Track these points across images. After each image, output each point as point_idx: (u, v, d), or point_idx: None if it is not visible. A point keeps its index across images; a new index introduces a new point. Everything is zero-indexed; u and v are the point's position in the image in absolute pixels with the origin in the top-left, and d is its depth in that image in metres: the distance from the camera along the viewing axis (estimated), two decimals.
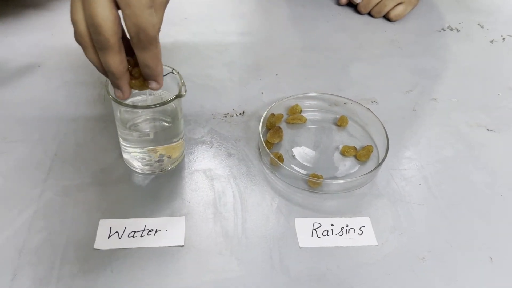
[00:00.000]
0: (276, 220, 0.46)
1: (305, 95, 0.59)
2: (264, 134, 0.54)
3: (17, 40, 0.68)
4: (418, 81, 0.66)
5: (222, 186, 0.49)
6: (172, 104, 0.45)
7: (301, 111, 0.58)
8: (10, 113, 0.56)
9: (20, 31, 0.69)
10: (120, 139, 0.48)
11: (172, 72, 0.46)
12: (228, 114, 0.58)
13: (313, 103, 0.59)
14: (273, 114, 0.56)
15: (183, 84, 0.45)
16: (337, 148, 0.54)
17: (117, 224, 0.45)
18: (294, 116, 0.57)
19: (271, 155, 0.50)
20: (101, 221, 0.45)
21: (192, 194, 0.48)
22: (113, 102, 0.45)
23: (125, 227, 0.45)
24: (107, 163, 0.51)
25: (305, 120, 0.57)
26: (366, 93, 0.63)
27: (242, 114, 0.59)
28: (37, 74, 0.62)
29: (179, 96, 0.45)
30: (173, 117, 0.48)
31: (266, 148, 0.50)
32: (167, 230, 0.45)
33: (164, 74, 0.47)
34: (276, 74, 0.66)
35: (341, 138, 0.56)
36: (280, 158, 0.51)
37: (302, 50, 0.71)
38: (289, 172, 0.50)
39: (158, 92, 0.49)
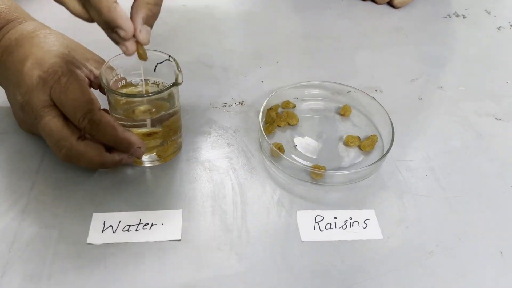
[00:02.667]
0: (277, 213, 0.44)
1: (306, 83, 0.57)
2: (264, 124, 0.52)
3: None
4: (424, 69, 0.64)
5: (221, 178, 0.47)
6: (169, 92, 0.43)
7: (294, 106, 0.56)
8: (0, 102, 0.54)
9: None
10: None
11: (169, 60, 0.44)
12: (227, 103, 0.56)
13: (315, 91, 0.57)
14: (272, 108, 0.54)
15: (180, 71, 0.43)
16: (341, 138, 0.52)
17: (111, 217, 0.43)
18: (286, 116, 0.54)
19: (271, 145, 0.48)
20: (95, 215, 0.43)
21: (190, 187, 0.46)
22: (107, 91, 0.42)
23: (120, 221, 0.43)
24: None
25: (297, 122, 0.54)
26: (370, 81, 0.61)
27: (241, 103, 0.56)
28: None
29: (175, 84, 0.42)
30: (170, 105, 0.45)
31: (266, 138, 0.48)
32: (164, 224, 0.43)
33: (160, 61, 0.45)
34: (277, 62, 0.63)
35: (344, 128, 0.54)
36: (281, 149, 0.49)
37: (303, 37, 0.69)
38: (290, 163, 0.48)
39: (154, 79, 0.47)
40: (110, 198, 0.45)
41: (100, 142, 0.43)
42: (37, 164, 0.47)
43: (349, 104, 0.55)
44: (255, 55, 0.64)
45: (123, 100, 0.45)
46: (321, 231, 0.43)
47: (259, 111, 0.52)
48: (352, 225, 0.44)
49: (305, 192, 0.47)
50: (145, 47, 0.40)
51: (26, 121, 0.46)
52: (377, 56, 0.67)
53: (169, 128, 0.46)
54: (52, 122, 0.42)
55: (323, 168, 0.47)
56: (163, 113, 0.45)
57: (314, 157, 0.50)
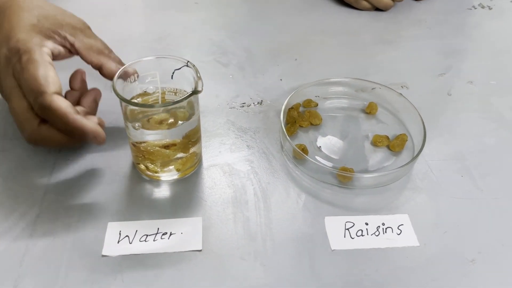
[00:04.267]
0: (304, 219, 0.42)
1: (329, 80, 0.54)
2: (285, 124, 0.49)
3: None
4: (451, 63, 0.61)
5: (241, 182, 0.45)
6: (188, 100, 0.40)
7: (316, 105, 0.53)
8: (5, 107, 0.51)
9: None
10: (129, 137, 0.44)
11: (187, 65, 0.42)
12: (245, 103, 0.54)
13: (337, 89, 0.54)
14: (293, 107, 0.51)
15: (200, 78, 0.40)
16: (367, 137, 0.49)
17: (127, 227, 0.40)
18: (309, 116, 0.51)
19: (294, 146, 0.45)
20: (110, 224, 0.41)
21: (209, 192, 0.44)
22: (120, 100, 0.40)
23: (136, 230, 0.40)
24: (115, 159, 0.46)
25: (320, 121, 0.51)
26: (395, 77, 0.58)
27: (260, 103, 0.54)
28: None
29: (195, 92, 0.40)
30: (189, 115, 0.42)
31: (288, 139, 0.45)
32: (183, 233, 0.40)
33: (178, 68, 0.42)
34: (296, 59, 0.60)
35: (370, 127, 0.51)
36: (305, 150, 0.47)
37: (321, 34, 0.66)
38: (315, 166, 0.45)
39: (171, 87, 0.44)
40: (126, 206, 0.42)
41: None
42: (48, 171, 0.45)
43: (374, 102, 0.52)
44: (271, 53, 0.62)
45: (138, 109, 0.42)
46: (352, 238, 0.40)
47: (280, 111, 0.49)
48: (385, 232, 0.41)
49: (332, 196, 0.44)
50: (163, 52, 0.38)
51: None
52: (400, 50, 0.63)
53: (188, 139, 0.43)
54: (16, 104, 0.40)
55: (351, 171, 0.44)
56: (181, 123, 0.42)
57: (340, 158, 0.47)
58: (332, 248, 0.39)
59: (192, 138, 0.44)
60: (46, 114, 0.39)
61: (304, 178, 0.45)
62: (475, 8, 0.73)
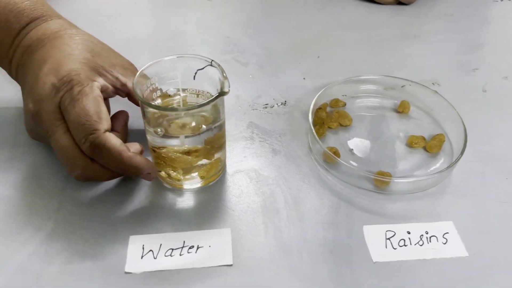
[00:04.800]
0: (341, 229, 0.38)
1: (358, 78, 0.51)
2: (313, 126, 0.46)
3: None
4: (482, 58, 0.58)
5: (270, 189, 0.41)
6: (213, 103, 0.37)
7: (344, 105, 0.50)
8: (17, 113, 0.48)
9: None
10: (149, 141, 0.41)
11: (211, 65, 0.39)
12: (268, 104, 0.50)
13: (366, 87, 0.51)
14: (321, 107, 0.48)
15: (226, 78, 0.37)
16: (402, 138, 0.46)
17: (151, 240, 0.37)
18: (337, 116, 0.48)
19: (326, 150, 0.42)
20: (132, 238, 0.37)
21: (236, 201, 0.41)
22: (141, 103, 0.37)
23: (161, 244, 0.37)
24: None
25: (350, 122, 0.48)
26: (424, 74, 0.54)
27: (284, 103, 0.51)
28: None
29: (221, 94, 0.37)
30: (213, 119, 0.39)
31: (319, 141, 0.42)
32: (211, 246, 0.37)
33: (201, 68, 0.39)
34: (318, 57, 0.57)
35: (404, 127, 0.47)
36: (336, 153, 0.43)
37: (342, 29, 0.63)
38: (349, 170, 0.42)
39: (193, 88, 0.41)
40: (148, 218, 0.39)
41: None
42: (63, 181, 0.42)
43: (406, 100, 0.49)
44: (291, 50, 0.58)
45: (159, 113, 0.39)
46: (394, 249, 0.37)
47: (306, 112, 0.46)
48: (430, 241, 0.38)
49: (369, 203, 0.41)
50: (177, 51, 0.35)
51: (37, 132, 0.41)
52: (426, 45, 0.60)
53: (211, 145, 0.40)
54: (63, 138, 0.37)
55: (388, 175, 0.41)
56: (204, 127, 0.39)
57: (374, 161, 0.44)
58: (374, 260, 0.36)
59: (217, 144, 0.40)
60: (97, 154, 0.37)
61: (337, 183, 0.42)
62: (502, 0, 0.69)
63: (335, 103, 0.49)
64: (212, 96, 0.37)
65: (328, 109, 0.49)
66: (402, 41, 0.61)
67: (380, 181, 0.41)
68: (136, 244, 0.37)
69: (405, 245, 0.37)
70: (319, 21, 0.64)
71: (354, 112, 0.48)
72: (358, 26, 0.63)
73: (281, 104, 0.50)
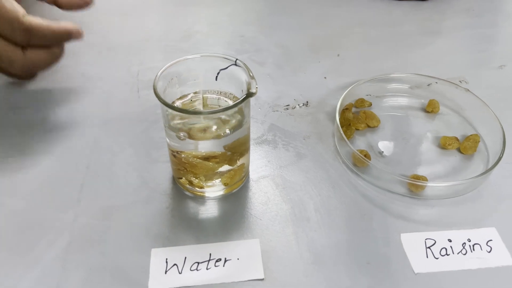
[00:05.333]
0: (377, 238, 0.36)
1: (386, 76, 0.48)
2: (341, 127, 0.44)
3: None
4: (507, 54, 0.55)
5: (298, 196, 0.39)
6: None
7: (370, 105, 0.47)
8: (25, 118, 0.46)
9: None
10: (168, 147, 0.38)
11: (235, 64, 0.36)
12: (289, 105, 0.48)
13: (390, 86, 0.49)
14: (347, 107, 0.45)
15: (253, 77, 0.35)
16: (432, 139, 0.44)
17: (175, 253, 0.35)
18: (365, 117, 0.45)
19: (357, 153, 0.40)
20: (154, 251, 0.35)
21: (263, 209, 0.38)
22: (162, 104, 0.34)
23: (185, 257, 0.35)
24: (154, 174, 0.40)
25: (378, 123, 0.45)
26: (450, 71, 0.52)
27: (306, 104, 0.48)
28: (54, 69, 0.52)
29: (249, 95, 0.34)
30: (237, 124, 0.37)
31: (350, 144, 0.40)
32: (239, 259, 0.35)
33: (224, 67, 0.37)
34: (338, 55, 0.55)
35: (434, 127, 0.45)
36: (367, 156, 0.41)
37: (361, 26, 0.60)
38: (381, 174, 0.39)
39: (215, 89, 0.38)
40: (169, 229, 0.36)
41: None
42: (77, 191, 0.39)
43: (435, 99, 0.47)
44: (310, 49, 0.56)
45: (179, 115, 0.37)
46: (436, 258, 0.35)
47: (330, 113, 0.44)
48: (473, 249, 0.35)
49: (404, 209, 0.38)
50: (190, 52, 0.33)
51: None
52: (449, 41, 0.58)
53: (233, 151, 0.37)
54: None
55: (424, 179, 0.39)
56: (227, 132, 0.36)
57: (406, 164, 0.41)
58: (416, 271, 0.34)
59: (241, 149, 0.38)
60: (29, 36, 0.41)
61: (368, 189, 0.40)
62: None
63: (361, 103, 0.47)
64: (237, 98, 0.34)
65: (353, 109, 0.46)
66: (423, 37, 0.58)
67: (416, 186, 0.38)
68: (158, 257, 0.35)
69: (447, 254, 0.35)
70: (336, 18, 0.62)
71: (381, 112, 0.46)
72: (377, 23, 0.61)
73: (303, 105, 0.48)
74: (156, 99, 0.33)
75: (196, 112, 0.36)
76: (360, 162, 0.40)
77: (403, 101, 0.48)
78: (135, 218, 0.37)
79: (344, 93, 0.45)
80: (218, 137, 0.36)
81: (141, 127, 0.45)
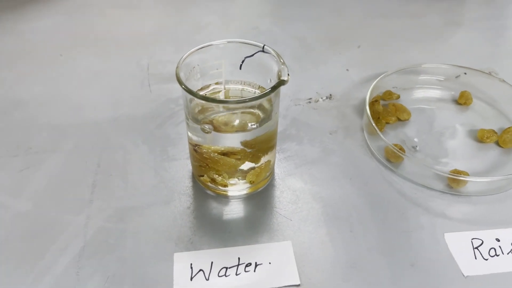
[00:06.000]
0: (420, 238, 0.33)
1: (411, 68, 0.45)
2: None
3: (31, 28, 0.55)
4: None
5: (330, 194, 0.36)
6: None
7: (398, 97, 0.44)
8: (33, 115, 0.43)
9: (34, 17, 0.56)
10: (189, 142, 0.35)
11: (263, 50, 0.33)
12: (311, 99, 0.45)
13: (418, 78, 0.46)
14: (376, 100, 0.42)
15: (284, 63, 0.32)
16: (468, 133, 0.41)
17: (200, 258, 0.32)
18: (395, 110, 0.42)
19: (393, 147, 0.37)
20: (177, 256, 0.32)
21: (293, 208, 0.35)
22: (184, 91, 0.31)
23: (212, 262, 0.31)
24: (172, 172, 0.37)
25: (409, 116, 0.42)
26: (477, 63, 0.49)
27: (329, 97, 0.45)
28: (60, 65, 0.49)
29: (281, 83, 0.31)
30: (264, 116, 0.34)
31: (384, 138, 0.37)
32: (271, 263, 0.31)
33: (250, 55, 0.34)
34: (359, 47, 0.52)
35: (468, 120, 0.42)
36: (402, 151, 0.38)
37: (381, 17, 0.58)
38: (417, 169, 0.36)
39: (238, 79, 0.35)
40: (192, 231, 0.33)
41: None
42: (89, 191, 0.36)
43: (467, 90, 0.44)
44: (328, 40, 0.53)
45: (200, 105, 0.34)
46: (486, 260, 0.32)
47: (356, 106, 0.42)
48: None
49: (445, 206, 0.35)
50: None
51: None
52: (473, 33, 0.55)
53: (258, 147, 0.34)
54: None
55: (466, 174, 0.36)
56: (254, 126, 0.33)
57: (442, 159, 0.39)
58: (465, 274, 0.31)
59: (264, 146, 0.35)
60: None
61: (404, 185, 0.37)
62: None
63: (388, 95, 0.44)
64: (264, 88, 0.31)
65: (380, 102, 0.44)
66: (447, 28, 0.56)
67: (456, 181, 0.35)
68: (182, 263, 0.31)
69: (497, 255, 0.32)
70: (353, 10, 0.59)
71: (410, 105, 0.43)
72: (397, 14, 0.58)
73: (326, 98, 0.45)
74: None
75: (224, 101, 0.33)
76: (394, 157, 0.37)
77: (432, 93, 0.45)
78: (154, 220, 0.34)
79: (372, 85, 0.42)
80: (244, 129, 0.33)
81: (155, 123, 0.42)
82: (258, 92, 0.35)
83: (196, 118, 0.33)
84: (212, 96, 0.35)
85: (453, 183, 0.36)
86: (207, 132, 0.32)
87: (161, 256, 0.32)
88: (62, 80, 0.47)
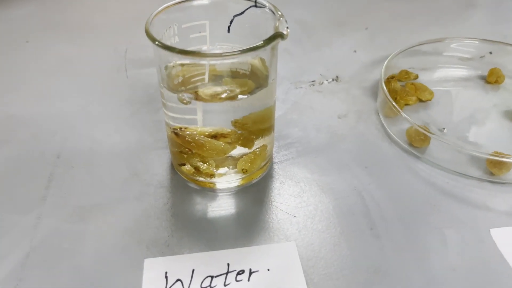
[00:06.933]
0: (460, 236, 0.26)
1: (432, 42, 0.39)
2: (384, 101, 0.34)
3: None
4: None
5: (342, 185, 0.29)
6: (261, 56, 0.25)
7: (416, 77, 0.38)
8: None
9: (4, 6, 0.51)
10: (167, 125, 0.28)
11: (255, 5, 0.27)
12: (315, 81, 0.39)
13: (437, 57, 0.40)
14: (393, 77, 0.36)
15: (282, 16, 0.26)
16: (502, 113, 0.34)
17: (178, 264, 0.24)
18: (414, 90, 0.36)
19: (418, 126, 0.30)
20: (148, 262, 0.25)
21: (296, 202, 0.28)
22: (159, 49, 0.24)
23: (193, 270, 0.24)
24: (148, 164, 0.31)
25: (432, 96, 0.36)
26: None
27: (336, 79, 0.39)
28: (26, 51, 0.43)
29: (278, 35, 0.25)
30: (259, 84, 0.27)
31: (408, 117, 0.30)
32: (270, 270, 0.24)
33: (239, 13, 0.27)
34: (366, 29, 0.46)
35: (501, 100, 0.36)
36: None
37: (388, 1, 0.52)
38: (450, 153, 0.30)
39: (227, 45, 0.29)
40: (171, 232, 0.26)
41: None
42: (43, 186, 0.29)
43: (497, 68, 0.38)
44: (333, 24, 0.47)
45: (179, 70, 0.27)
46: None
47: (367, 87, 0.35)
48: None
49: (486, 196, 0.28)
50: None
51: None
52: (492, 15, 0.49)
53: (251, 128, 0.27)
54: None
55: (509, 156, 0.29)
56: (245, 97, 0.27)
57: (474, 143, 0.32)
58: None
59: (263, 124, 0.28)
60: None
61: (433, 173, 0.30)
62: None
63: (405, 75, 0.37)
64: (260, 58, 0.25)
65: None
66: (463, 11, 0.50)
67: (499, 166, 0.29)
68: (155, 270, 0.24)
69: None
70: None
71: (432, 86, 0.37)
72: None
73: (333, 80, 0.39)
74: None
75: (206, 55, 0.26)
76: (418, 141, 0.31)
77: (455, 72, 0.39)
78: (122, 220, 0.27)
79: (385, 62, 0.36)
80: (233, 99, 0.27)
81: (131, 109, 0.35)
82: (247, 69, 0.28)
83: (174, 87, 0.27)
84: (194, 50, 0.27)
85: (495, 168, 0.29)
86: (187, 103, 0.25)
87: (129, 263, 0.25)
88: (27, 67, 0.41)
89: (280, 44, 0.26)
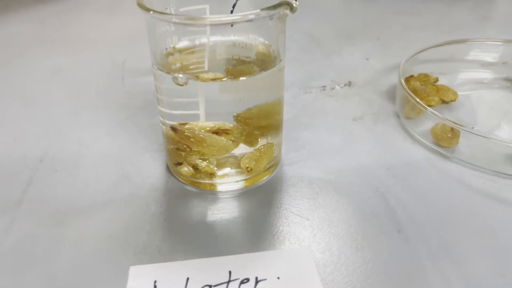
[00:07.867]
0: (506, 239, 0.22)
1: (453, 43, 0.36)
2: (406, 102, 0.31)
3: None
4: None
5: (363, 188, 0.25)
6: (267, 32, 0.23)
7: (436, 80, 0.35)
8: None
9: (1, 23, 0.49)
10: (161, 116, 0.25)
11: None
12: (325, 86, 0.36)
13: (458, 62, 0.37)
14: (414, 76, 0.33)
15: None
16: None
17: (170, 272, 0.20)
18: (436, 91, 0.33)
19: (450, 123, 0.27)
20: (133, 269, 0.21)
21: (310, 205, 0.24)
22: (151, 16, 0.22)
23: (188, 278, 0.20)
24: (140, 166, 0.27)
25: (456, 97, 0.33)
26: None
27: (348, 84, 0.36)
28: (20, 63, 0.41)
29: (285, 3, 0.22)
30: (266, 60, 0.25)
31: (438, 114, 0.27)
32: (281, 278, 0.20)
33: None
34: (378, 39, 0.44)
35: None
36: (455, 131, 0.28)
37: (400, 15, 0.50)
38: (483, 151, 0.26)
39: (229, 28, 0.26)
40: (163, 237, 0.22)
41: None
42: (20, 190, 0.25)
43: None
44: (345, 34, 0.45)
45: (177, 58, 0.24)
46: None
47: (383, 92, 0.33)
48: None
49: None
50: None
51: None
52: (503, 27, 0.47)
53: (255, 122, 0.24)
54: None
55: None
56: (244, 79, 0.23)
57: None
58: None
59: (269, 119, 0.25)
60: None
61: (465, 173, 0.26)
62: None
63: (424, 77, 0.34)
64: (267, 44, 0.22)
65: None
66: (478, 25, 0.48)
67: None
68: (141, 278, 0.20)
69: None
70: (368, 8, 0.52)
71: (455, 88, 0.33)
72: (419, 12, 0.51)
73: (345, 85, 0.36)
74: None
75: (204, 19, 0.23)
76: (446, 139, 0.27)
77: (478, 75, 0.36)
78: (107, 224, 0.23)
79: (403, 62, 0.33)
80: (236, 77, 0.23)
81: (125, 114, 0.32)
82: (251, 54, 0.26)
83: (169, 66, 0.24)
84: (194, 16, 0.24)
85: None
86: (183, 85, 0.22)
87: (112, 271, 0.21)
88: (18, 77, 0.38)
89: (288, 52, 0.23)
